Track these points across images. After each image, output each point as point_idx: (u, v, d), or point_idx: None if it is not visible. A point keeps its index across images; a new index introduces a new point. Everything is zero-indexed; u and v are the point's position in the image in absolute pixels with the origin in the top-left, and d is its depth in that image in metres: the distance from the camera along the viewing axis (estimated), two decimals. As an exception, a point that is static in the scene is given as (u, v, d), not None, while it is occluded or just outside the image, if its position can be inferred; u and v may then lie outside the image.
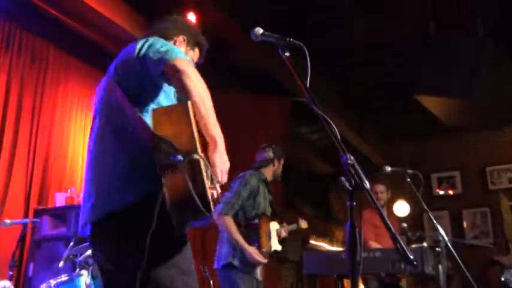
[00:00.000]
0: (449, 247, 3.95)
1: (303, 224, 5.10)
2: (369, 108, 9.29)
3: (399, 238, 1.66)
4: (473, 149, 9.87)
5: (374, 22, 6.58)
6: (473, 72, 5.50)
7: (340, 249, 9.76)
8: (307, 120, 8.97)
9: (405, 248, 1.66)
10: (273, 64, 6.42)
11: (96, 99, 2.26)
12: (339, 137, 1.85)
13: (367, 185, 1.72)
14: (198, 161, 1.79)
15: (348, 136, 8.68)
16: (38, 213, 5.25)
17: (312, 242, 10.78)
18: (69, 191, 5.72)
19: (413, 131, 10.07)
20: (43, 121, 5.95)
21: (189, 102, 1.90)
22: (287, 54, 2.11)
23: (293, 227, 4.97)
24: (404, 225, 5.25)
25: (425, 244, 4.85)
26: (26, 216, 5.37)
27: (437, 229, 3.98)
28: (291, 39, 2.12)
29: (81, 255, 4.19)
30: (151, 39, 2.16)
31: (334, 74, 7.91)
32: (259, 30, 2.21)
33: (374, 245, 5.41)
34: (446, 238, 3.99)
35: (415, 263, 1.70)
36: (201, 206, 1.76)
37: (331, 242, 11.68)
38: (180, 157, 1.76)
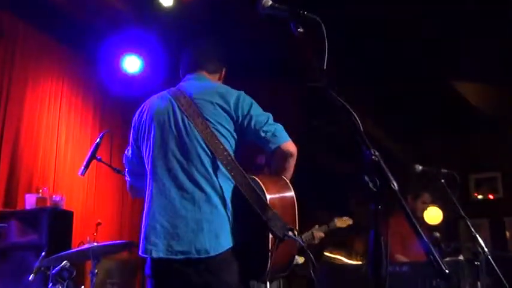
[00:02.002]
0: (489, 260, 3.93)
1: (317, 234, 5.13)
2: (395, 96, 9.25)
3: (432, 249, 1.65)
4: (518, 146, 9.84)
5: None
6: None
7: (360, 262, 9.76)
8: (323, 110, 8.94)
9: (439, 261, 1.65)
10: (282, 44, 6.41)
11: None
12: (361, 129, 1.83)
13: (395, 185, 1.71)
14: (295, 240, 2.63)
15: (371, 129, 8.66)
16: (3, 217, 5.26)
17: (326, 254, 10.77)
18: (40, 191, 5.73)
19: (447, 123, 10.04)
20: (10, 109, 5.96)
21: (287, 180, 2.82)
22: (300, 30, 2.08)
23: (307, 235, 5.00)
24: (437, 234, 5.22)
25: (461, 257, 4.83)
26: (-11, 221, 5.39)
27: (475, 239, 3.97)
28: (305, 12, 2.09)
29: (54, 267, 4.19)
30: (247, 100, 2.87)
31: (353, 53, 7.88)
32: (268, 2, 2.17)
33: (401, 258, 5.40)
34: (486, 250, 3.98)
35: (450, 278, 1.69)
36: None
37: (349, 254, 11.67)
38: (290, 234, 2.59)
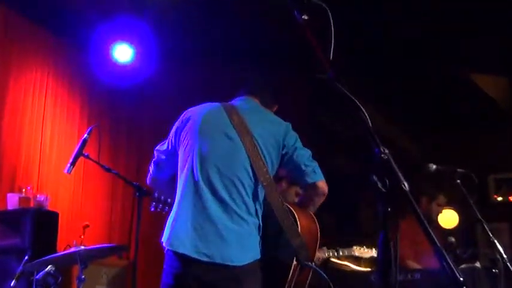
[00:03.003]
0: (509, 268, 3.94)
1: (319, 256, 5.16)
2: (407, 90, 9.24)
3: (446, 255, 1.66)
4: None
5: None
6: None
7: (368, 269, 9.76)
8: (329, 105, 8.94)
9: (453, 268, 1.66)
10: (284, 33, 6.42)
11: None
12: (370, 125, 1.84)
13: (406, 186, 1.71)
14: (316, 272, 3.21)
15: (381, 125, 8.66)
16: (-17, 219, 5.27)
17: (333, 260, 10.77)
18: (23, 190, 5.74)
19: (464, 119, 10.03)
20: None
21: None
22: (305, 17, 2.09)
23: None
24: (452, 239, 5.24)
25: (478, 264, 4.85)
26: (-32, 222, 5.40)
27: (494, 245, 3.97)
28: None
29: (38, 272, 4.20)
30: (294, 133, 3.29)
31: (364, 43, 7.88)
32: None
33: (413, 264, 5.41)
34: (505, 257, 3.98)
35: (465, 286, 1.70)
36: None
37: (357, 260, 11.67)
38: (309, 264, 3.15)
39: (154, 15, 6.79)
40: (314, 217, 3.37)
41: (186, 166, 3.18)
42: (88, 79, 7.58)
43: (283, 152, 3.22)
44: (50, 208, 6.01)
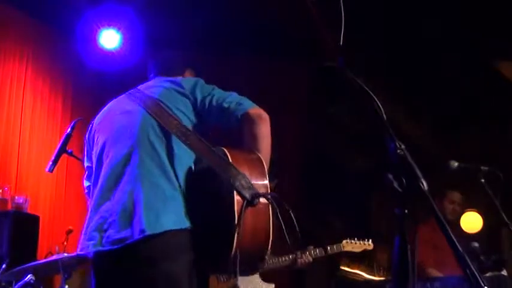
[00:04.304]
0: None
1: (303, 259, 5.21)
2: (426, 79, 9.24)
3: (469, 262, 1.66)
4: None
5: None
6: None
7: (383, 278, 9.78)
8: (340, 96, 8.94)
9: (478, 276, 1.66)
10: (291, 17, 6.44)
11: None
12: (384, 117, 1.84)
13: (425, 185, 1.71)
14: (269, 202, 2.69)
15: (397, 117, 8.66)
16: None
17: (343, 268, 10.79)
18: (0, 191, 5.74)
19: (488, 111, 10.02)
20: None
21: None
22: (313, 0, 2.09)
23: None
24: (476, 244, 5.24)
25: (504, 272, 4.85)
26: None
27: (522, 251, 3.98)
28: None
29: (17, 282, 4.21)
30: (208, 85, 3.11)
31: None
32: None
33: (433, 272, 5.42)
34: (534, 264, 3.99)
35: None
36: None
37: (370, 268, 11.68)
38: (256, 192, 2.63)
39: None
40: (261, 158, 2.89)
41: (97, 161, 3.12)
42: (72, 68, 7.59)
43: (199, 104, 3.07)
44: (29, 211, 6.01)
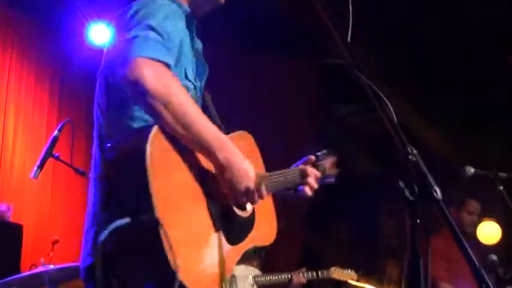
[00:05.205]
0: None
1: (297, 279, 5.43)
2: (442, 77, 9.24)
3: (487, 276, 1.66)
4: None
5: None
6: None
7: (393, 292, 9.78)
8: (346, 96, 8.96)
9: (495, 291, 1.66)
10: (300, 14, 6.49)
11: None
12: (395, 120, 1.84)
13: (439, 193, 1.71)
14: None
15: (409, 119, 8.67)
16: None
17: (351, 282, 10.77)
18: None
19: (507, 112, 10.01)
20: None
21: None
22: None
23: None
24: (494, 257, 5.24)
25: (524, 287, 4.85)
26: None
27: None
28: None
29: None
30: None
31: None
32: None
33: (446, 287, 5.42)
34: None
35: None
36: None
37: (380, 282, 11.67)
38: None
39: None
40: None
41: None
42: (59, 64, 7.59)
43: None
44: (12, 220, 6.01)
